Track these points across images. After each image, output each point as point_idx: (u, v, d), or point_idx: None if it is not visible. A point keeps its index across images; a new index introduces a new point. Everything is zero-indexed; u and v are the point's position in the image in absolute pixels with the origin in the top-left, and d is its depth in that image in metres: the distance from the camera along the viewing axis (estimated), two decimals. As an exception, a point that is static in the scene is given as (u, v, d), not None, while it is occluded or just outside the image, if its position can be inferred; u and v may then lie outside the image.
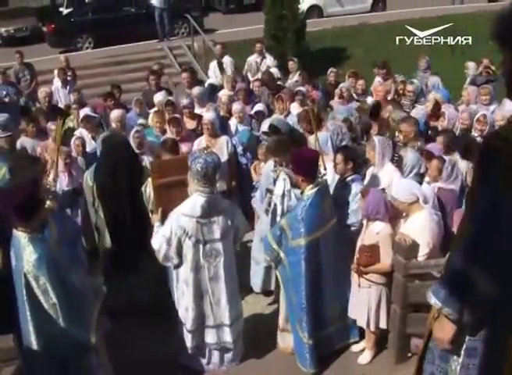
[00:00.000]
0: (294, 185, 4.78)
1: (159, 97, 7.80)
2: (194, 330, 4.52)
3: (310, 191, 4.45)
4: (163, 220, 4.43)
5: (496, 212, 2.17)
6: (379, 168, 5.10)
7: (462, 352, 2.47)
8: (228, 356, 4.70)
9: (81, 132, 6.54)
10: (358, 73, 9.09)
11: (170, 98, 7.66)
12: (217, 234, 4.32)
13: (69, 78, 10.34)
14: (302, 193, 4.61)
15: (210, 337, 4.56)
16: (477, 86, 8.10)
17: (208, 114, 6.83)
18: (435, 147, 5.58)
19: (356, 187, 4.89)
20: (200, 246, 4.30)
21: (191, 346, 4.58)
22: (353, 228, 4.86)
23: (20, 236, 3.69)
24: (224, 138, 6.53)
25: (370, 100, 7.83)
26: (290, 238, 4.49)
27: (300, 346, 4.63)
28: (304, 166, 4.52)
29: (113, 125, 6.64)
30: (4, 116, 5.63)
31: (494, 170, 2.15)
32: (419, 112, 6.60)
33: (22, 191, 3.77)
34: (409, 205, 4.36)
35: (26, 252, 3.65)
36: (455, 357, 2.51)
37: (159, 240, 4.30)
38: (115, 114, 6.72)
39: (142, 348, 4.85)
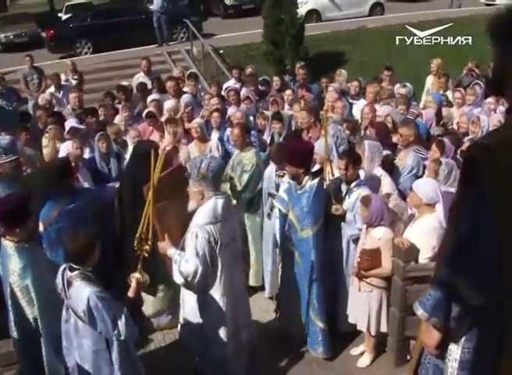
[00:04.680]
0: (292, 178, 4.76)
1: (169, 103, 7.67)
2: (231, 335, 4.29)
3: (311, 181, 4.61)
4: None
5: (480, 221, 2.19)
6: (368, 172, 5.12)
7: (456, 365, 2.51)
8: None
9: (67, 145, 6.32)
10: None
11: (151, 109, 7.45)
12: (232, 235, 4.21)
13: (74, 82, 10.40)
14: (300, 184, 4.67)
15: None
16: (463, 87, 8.24)
17: (196, 118, 6.91)
18: (447, 142, 5.53)
19: (364, 192, 4.74)
20: (224, 249, 4.08)
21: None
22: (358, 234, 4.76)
23: (7, 245, 3.70)
24: (214, 142, 6.53)
25: (362, 102, 7.87)
26: (299, 230, 4.66)
27: (314, 332, 4.79)
28: (303, 158, 4.65)
29: (112, 136, 6.46)
30: (6, 138, 5.16)
31: (477, 179, 2.18)
32: (391, 110, 6.68)
33: (11, 199, 3.80)
34: (424, 204, 4.35)
35: (11, 262, 3.66)
36: (449, 372, 2.54)
37: (192, 263, 3.87)
38: (112, 129, 6.68)
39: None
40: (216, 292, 4.08)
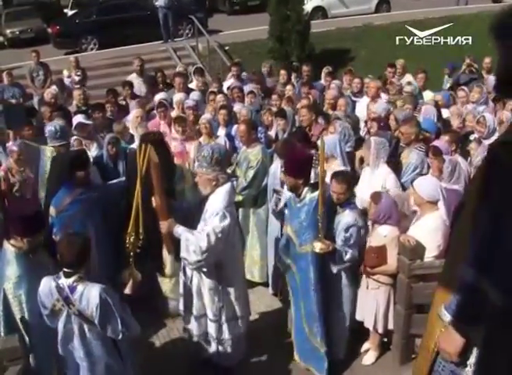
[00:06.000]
0: (291, 190, 4.43)
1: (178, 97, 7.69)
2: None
3: (310, 193, 4.33)
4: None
5: (503, 221, 2.13)
6: (373, 168, 5.12)
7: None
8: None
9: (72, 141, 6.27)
10: (353, 71, 9.21)
11: (163, 100, 7.48)
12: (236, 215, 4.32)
13: (76, 78, 10.41)
14: (299, 196, 4.39)
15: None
16: (460, 85, 8.21)
17: (205, 114, 6.95)
18: (443, 144, 5.48)
19: (350, 215, 4.43)
20: (234, 230, 4.15)
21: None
22: (350, 263, 4.45)
23: (7, 249, 3.75)
24: (221, 138, 6.53)
25: (365, 99, 7.83)
26: (298, 245, 4.40)
27: (313, 353, 4.53)
28: (302, 167, 4.36)
29: (118, 134, 6.43)
30: (58, 123, 5.37)
31: (498, 177, 2.14)
32: (385, 107, 6.66)
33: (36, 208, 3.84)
34: (426, 203, 4.34)
35: (9, 267, 3.71)
36: None
37: (213, 238, 3.88)
38: (118, 127, 6.67)
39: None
40: (233, 272, 4.21)
